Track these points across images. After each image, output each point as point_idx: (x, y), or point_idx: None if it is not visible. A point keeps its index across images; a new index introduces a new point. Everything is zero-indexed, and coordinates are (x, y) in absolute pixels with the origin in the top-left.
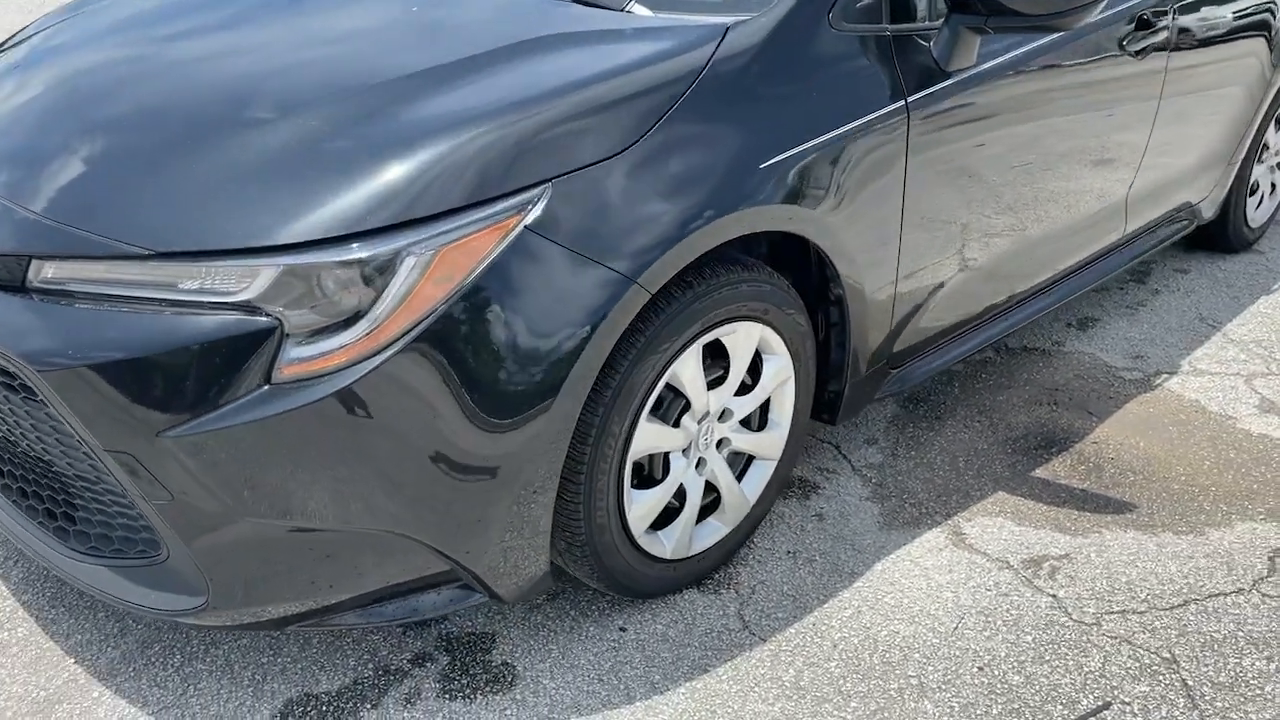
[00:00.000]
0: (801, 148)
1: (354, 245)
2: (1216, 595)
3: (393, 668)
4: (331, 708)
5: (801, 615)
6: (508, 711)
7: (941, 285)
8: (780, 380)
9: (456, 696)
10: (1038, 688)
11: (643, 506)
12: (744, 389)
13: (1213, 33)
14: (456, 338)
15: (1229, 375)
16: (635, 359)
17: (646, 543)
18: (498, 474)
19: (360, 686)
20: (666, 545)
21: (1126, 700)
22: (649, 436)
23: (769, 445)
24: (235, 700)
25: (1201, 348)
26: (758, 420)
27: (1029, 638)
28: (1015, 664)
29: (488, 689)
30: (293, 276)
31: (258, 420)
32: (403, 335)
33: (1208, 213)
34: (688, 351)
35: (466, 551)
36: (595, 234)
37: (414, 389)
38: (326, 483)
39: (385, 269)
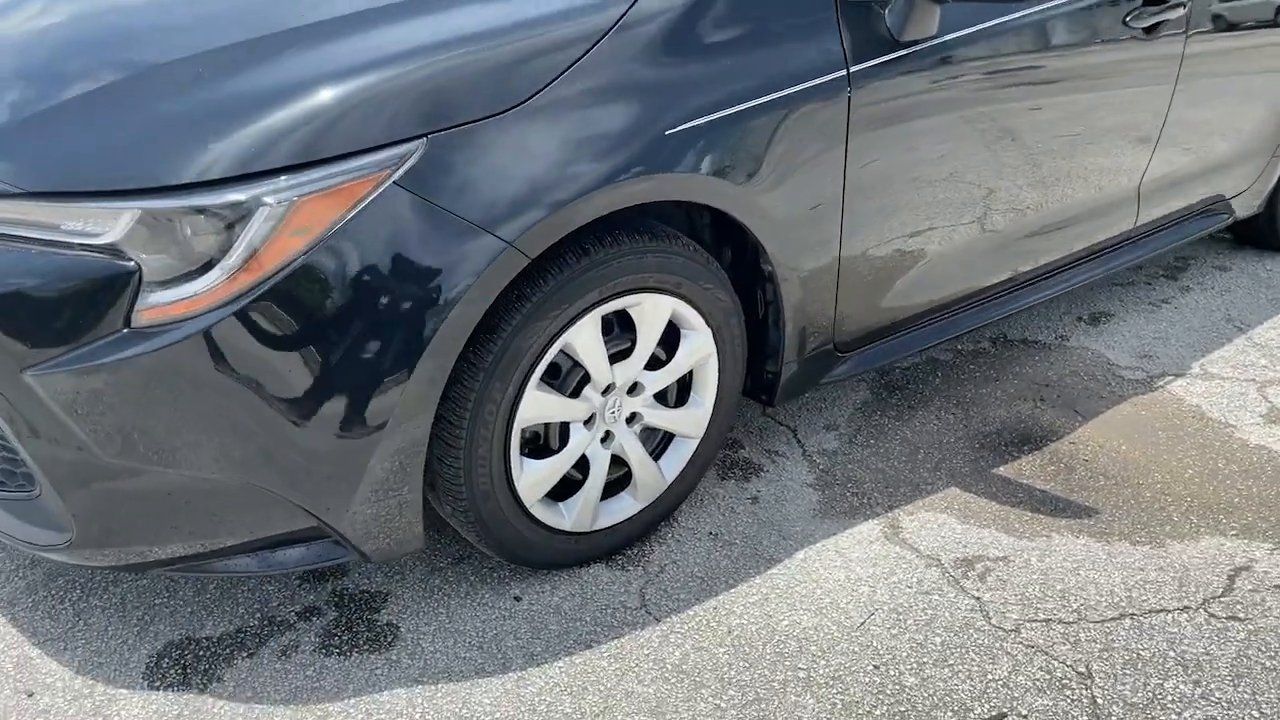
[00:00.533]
0: (717, 116)
1: (209, 192)
2: (1157, 611)
3: (279, 619)
4: (208, 653)
5: (705, 598)
6: (378, 671)
7: (900, 270)
8: (700, 357)
9: (333, 653)
10: (931, 691)
11: (534, 476)
12: (659, 364)
13: (1248, 10)
14: (314, 292)
15: (1242, 381)
16: (520, 325)
17: (543, 513)
18: (355, 434)
19: (242, 635)
20: (566, 518)
21: (1024, 713)
22: (539, 405)
23: (688, 423)
24: (119, 638)
25: (1219, 350)
26: (675, 397)
27: (938, 639)
28: (915, 665)
29: (366, 647)
30: (150, 221)
31: (114, 362)
32: (256, 286)
33: (1246, 207)
34: (583, 321)
35: (327, 509)
36: (471, 194)
37: (266, 341)
38: (181, 429)
39: (240, 218)
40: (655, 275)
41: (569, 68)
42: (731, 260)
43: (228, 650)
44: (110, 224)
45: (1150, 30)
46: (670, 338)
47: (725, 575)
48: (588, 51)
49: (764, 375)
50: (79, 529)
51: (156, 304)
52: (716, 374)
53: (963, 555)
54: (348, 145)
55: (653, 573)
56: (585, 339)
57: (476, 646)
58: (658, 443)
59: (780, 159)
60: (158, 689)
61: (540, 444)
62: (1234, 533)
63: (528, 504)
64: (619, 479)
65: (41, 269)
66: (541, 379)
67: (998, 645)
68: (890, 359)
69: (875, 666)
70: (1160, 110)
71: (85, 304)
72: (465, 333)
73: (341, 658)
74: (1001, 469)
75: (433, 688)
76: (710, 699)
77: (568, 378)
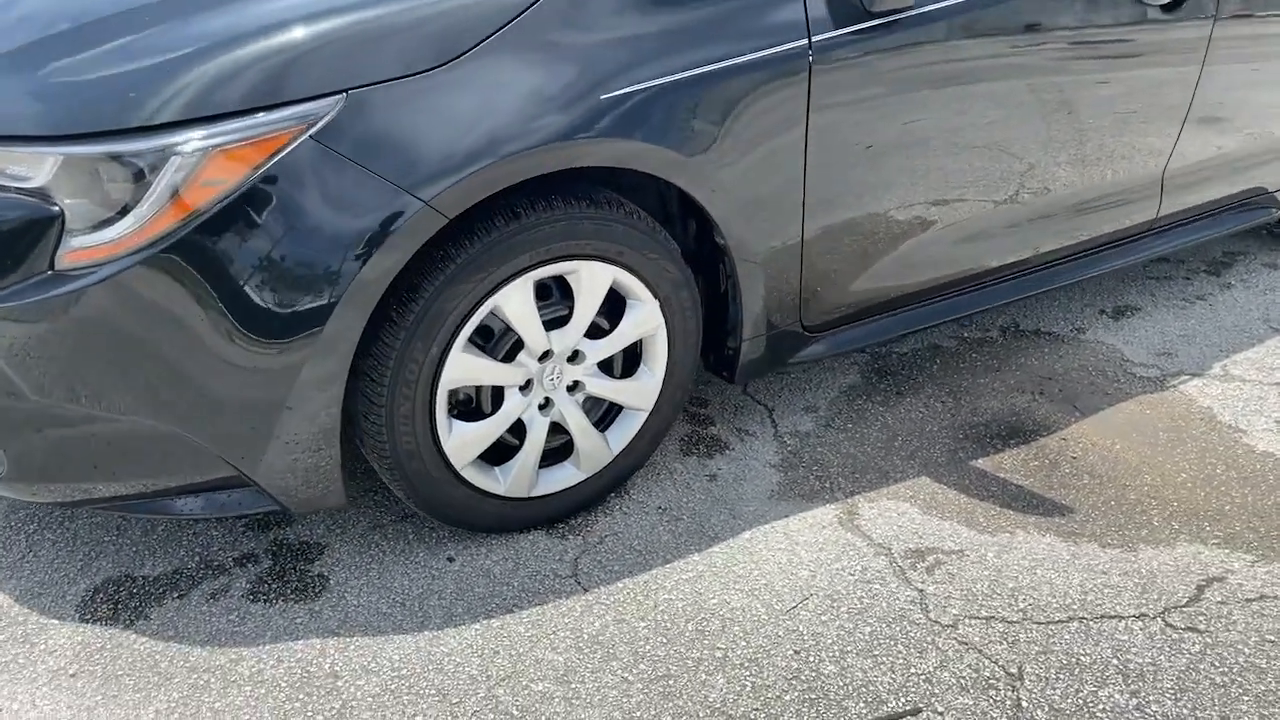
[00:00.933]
0: (662, 81)
1: (124, 140)
2: (1110, 617)
3: (216, 563)
4: (142, 591)
5: (638, 572)
6: (298, 620)
7: (876, 251)
8: (646, 328)
9: (259, 599)
10: (848, 680)
11: (463, 438)
12: (604, 333)
13: None
14: (224, 243)
15: (1264, 384)
16: (443, 286)
17: (475, 476)
18: (265, 386)
19: (178, 576)
20: (501, 482)
21: (940, 710)
22: (466, 368)
23: (635, 395)
24: (62, 571)
25: (1247, 351)
26: (622, 367)
27: (868, 629)
28: (837, 653)
29: (292, 597)
30: (72, 166)
31: (37, 303)
32: (168, 235)
33: None
34: (513, 285)
35: (242, 457)
36: (389, 152)
37: (177, 289)
38: (97, 371)
39: (153, 167)
40: (592, 242)
41: (501, 27)
42: (697, 234)
43: (160, 590)
44: (38, 168)
45: (1167, 7)
46: (619, 307)
47: (664, 550)
48: (523, 11)
49: (725, 351)
50: (11, 462)
51: (79, 248)
52: (666, 346)
53: (915, 546)
54: (264, 98)
55: (591, 543)
56: (516, 304)
57: (399, 604)
58: (605, 413)
59: (733, 131)
60: (87, 622)
61: (473, 407)
62: (1215, 541)
63: (456, 465)
64: (564, 447)
65: None
66: (472, 342)
67: (929, 639)
68: (870, 342)
69: (796, 652)
70: (1185, 93)
71: (17, 244)
72: (378, 291)
73: (266, 605)
74: (980, 461)
75: (346, 640)
76: (619, 671)
77: (500, 342)
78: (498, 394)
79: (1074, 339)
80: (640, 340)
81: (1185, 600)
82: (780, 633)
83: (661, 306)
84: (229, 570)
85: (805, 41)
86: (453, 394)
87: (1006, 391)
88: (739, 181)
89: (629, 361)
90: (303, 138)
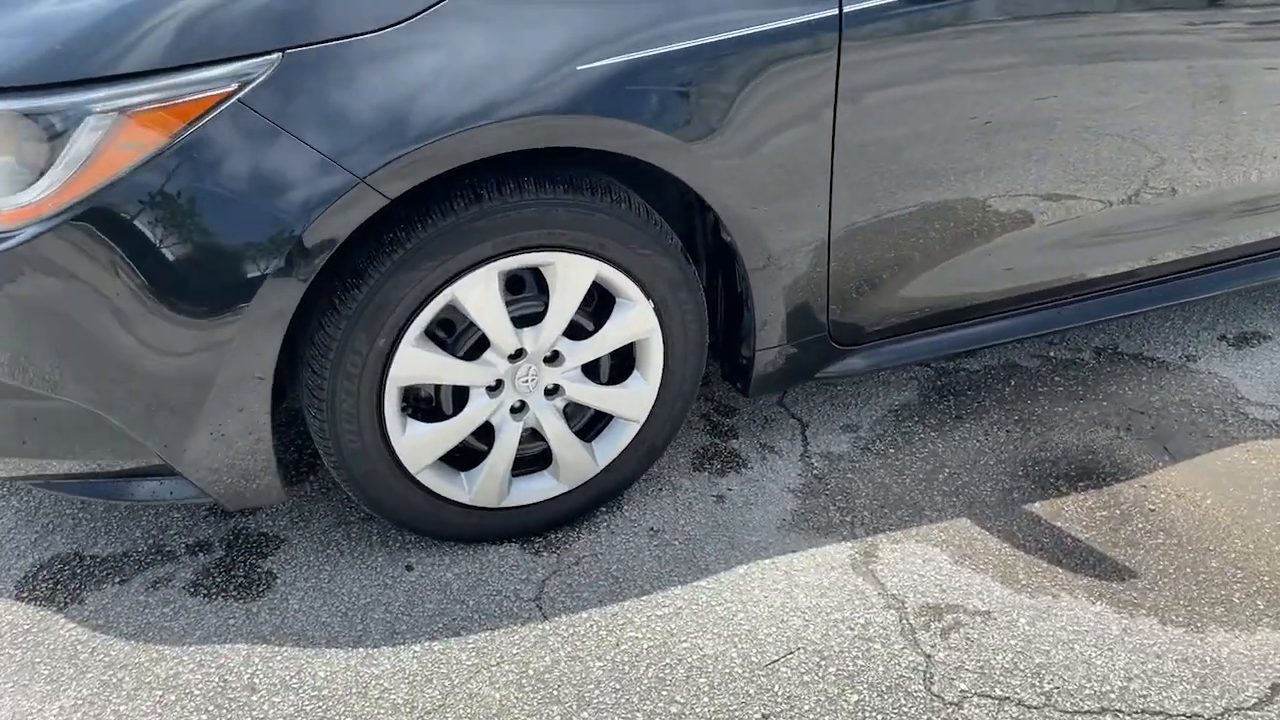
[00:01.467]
0: (652, 53)
1: (36, 96)
2: (1154, 713)
3: (167, 549)
4: (85, 572)
5: (609, 602)
6: (232, 621)
7: (936, 254)
8: (637, 331)
9: (199, 593)
10: None
11: (418, 440)
12: (588, 333)
13: None
14: (140, 212)
15: None
16: (389, 272)
17: (434, 481)
18: (183, 369)
19: (126, 559)
20: (467, 489)
21: None
22: (418, 364)
23: (624, 404)
24: (15, 543)
25: None
26: (609, 373)
27: (854, 698)
28: None
29: (234, 594)
30: None
31: None
32: (82, 201)
33: None
34: (473, 275)
35: (165, 445)
36: (325, 120)
37: (89, 262)
38: (14, 342)
39: (66, 127)
40: (569, 232)
41: None
42: (714, 227)
43: (104, 573)
44: None
45: None
46: (610, 304)
47: (644, 579)
48: None
49: (738, 360)
50: None
51: (4, 209)
52: (661, 353)
53: (934, 601)
54: (190, 56)
55: (566, 563)
56: (477, 297)
57: (342, 613)
58: (592, 421)
59: (741, 111)
60: (22, 600)
61: (434, 406)
62: None
63: (411, 469)
64: (545, 454)
65: None
66: (432, 335)
67: (924, 718)
68: (923, 358)
69: (764, 716)
70: None
71: None
72: (308, 273)
73: (205, 599)
74: (1036, 505)
75: (275, 649)
76: (557, 717)
77: (462, 338)
78: (462, 394)
79: (1181, 368)
80: (630, 344)
81: (1253, 702)
82: (752, 691)
83: (656, 308)
84: (178, 558)
85: (835, 11)
86: (412, 391)
87: (1087, 424)
88: (747, 170)
89: (623, 366)
90: (230, 101)
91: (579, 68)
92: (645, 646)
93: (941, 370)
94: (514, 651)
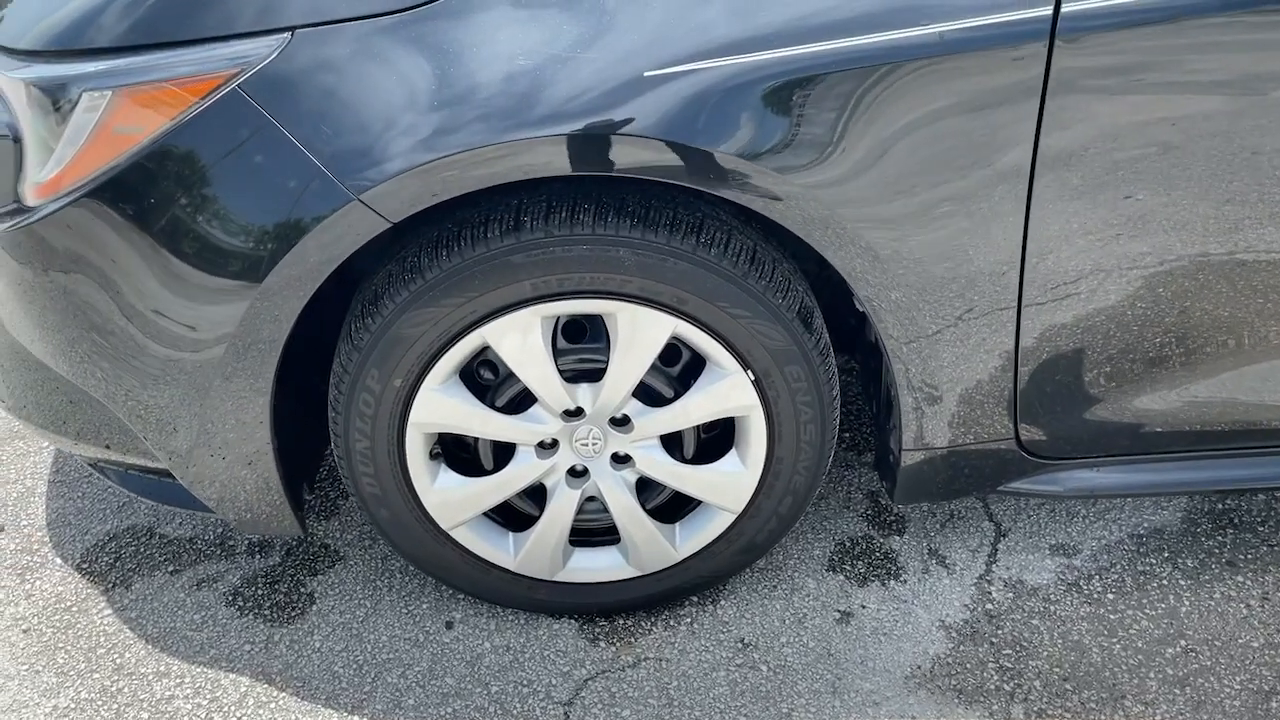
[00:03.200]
0: (756, 58)
1: (43, 63)
2: None
3: (229, 543)
4: (147, 553)
5: None
6: (248, 648)
7: (1160, 352)
8: (730, 407)
9: (234, 604)
10: None
11: (449, 494)
12: (665, 400)
13: None
14: (134, 201)
15: None
16: (404, 305)
17: (470, 540)
18: (173, 378)
19: (189, 546)
20: (513, 554)
21: None
22: (442, 411)
23: (714, 489)
24: (105, 504)
25: None
26: (694, 446)
27: None
28: None
29: (265, 613)
30: (15, 90)
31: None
32: (82, 185)
33: None
34: (509, 318)
35: (168, 454)
36: (327, 119)
37: (84, 248)
38: (36, 318)
39: (68, 102)
40: (636, 280)
41: None
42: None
43: (163, 557)
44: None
45: None
46: (700, 365)
47: (705, 710)
48: None
49: (887, 457)
50: (12, 396)
51: (34, 183)
52: (765, 435)
53: None
54: (184, 32)
55: (622, 663)
56: (513, 344)
57: (356, 665)
58: (676, 499)
59: (882, 134)
60: (80, 570)
61: (468, 458)
62: None
63: (442, 523)
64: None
65: None
66: (464, 380)
67: None
68: (1140, 490)
69: None
70: None
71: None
72: (299, 297)
73: (237, 613)
74: None
75: (275, 693)
76: None
77: (504, 385)
78: (506, 449)
79: None
80: (727, 418)
81: None
82: None
83: (758, 382)
84: (235, 556)
85: (1050, 9)
86: (455, 438)
87: None
88: (892, 216)
89: (720, 442)
90: (228, 87)
91: (647, 74)
92: None
93: (1224, 491)
94: None
